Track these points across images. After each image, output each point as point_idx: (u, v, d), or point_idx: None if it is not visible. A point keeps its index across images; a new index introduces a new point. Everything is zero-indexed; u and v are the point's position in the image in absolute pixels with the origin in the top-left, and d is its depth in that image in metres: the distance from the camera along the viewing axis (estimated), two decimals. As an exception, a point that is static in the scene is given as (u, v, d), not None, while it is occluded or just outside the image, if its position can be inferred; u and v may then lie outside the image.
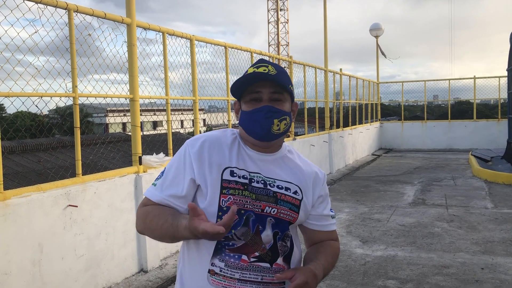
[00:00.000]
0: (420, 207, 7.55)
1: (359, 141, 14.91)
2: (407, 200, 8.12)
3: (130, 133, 5.00)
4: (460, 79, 18.63)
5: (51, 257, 3.78)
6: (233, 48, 6.94)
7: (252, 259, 1.50)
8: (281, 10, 50.66)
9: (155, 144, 7.62)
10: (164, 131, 5.78)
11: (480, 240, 5.65)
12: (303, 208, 1.60)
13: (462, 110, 24.99)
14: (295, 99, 1.66)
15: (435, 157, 15.09)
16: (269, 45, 50.31)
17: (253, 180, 1.54)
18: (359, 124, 15.45)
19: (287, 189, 1.57)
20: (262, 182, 1.55)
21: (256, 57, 7.69)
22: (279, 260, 1.53)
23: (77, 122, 4.16)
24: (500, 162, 11.58)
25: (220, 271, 1.49)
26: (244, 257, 1.50)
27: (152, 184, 1.61)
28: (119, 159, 8.99)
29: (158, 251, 5.00)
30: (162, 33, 5.36)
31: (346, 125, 13.86)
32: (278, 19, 50.44)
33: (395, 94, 19.95)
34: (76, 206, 3.99)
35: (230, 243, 1.50)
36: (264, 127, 1.52)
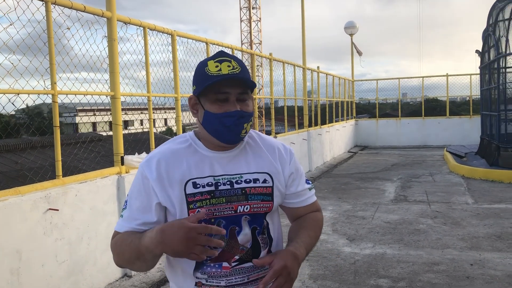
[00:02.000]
0: (403, 204, 7.56)
1: (336, 139, 14.95)
2: (388, 197, 8.12)
3: (101, 133, 4.79)
4: (432, 76, 18.99)
5: (30, 264, 3.55)
6: (214, 44, 6.77)
7: (233, 264, 1.46)
8: (253, 8, 50.57)
9: (131, 143, 7.38)
10: (134, 131, 5.57)
11: (466, 236, 5.67)
12: (277, 194, 1.54)
13: (431, 107, 25.46)
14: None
15: (410, 154, 15.27)
16: (241, 43, 50.14)
17: (219, 184, 1.47)
18: (335, 121, 15.49)
19: (255, 180, 1.51)
20: (229, 182, 1.48)
21: (238, 54, 7.54)
22: (262, 254, 1.50)
23: (57, 121, 3.94)
24: (475, 157, 11.78)
25: (206, 281, 1.47)
26: (225, 264, 1.46)
27: (120, 216, 1.51)
28: (92, 160, 8.69)
29: (142, 255, 4.80)
30: (143, 28, 5.16)
31: (323, 123, 13.86)
32: (250, 17, 50.34)
33: (365, 92, 20.18)
34: (57, 210, 3.77)
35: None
36: (234, 133, 1.45)
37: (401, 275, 4.50)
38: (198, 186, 1.45)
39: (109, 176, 4.51)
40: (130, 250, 1.41)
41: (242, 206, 1.47)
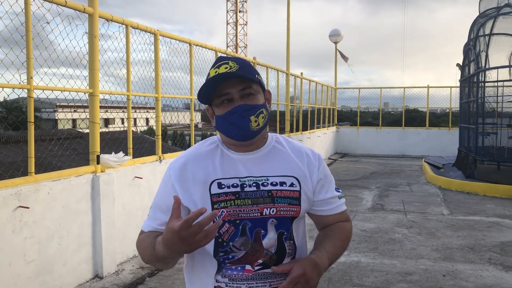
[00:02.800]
0: (380, 213, 7.61)
1: (317, 145, 15.00)
2: (366, 205, 8.17)
3: (80, 130, 4.70)
4: (414, 87, 19.19)
5: (-3, 263, 3.45)
6: (197, 45, 6.73)
7: (256, 267, 1.44)
8: (240, 12, 50.64)
9: (108, 142, 7.27)
10: (117, 129, 5.49)
11: (440, 246, 5.72)
12: (304, 199, 1.52)
13: (411, 117, 25.78)
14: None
15: (389, 163, 15.42)
16: (227, 46, 50.13)
17: (245, 185, 1.46)
18: (316, 128, 15.56)
19: (282, 183, 1.49)
20: (254, 184, 1.47)
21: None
22: (286, 261, 1.47)
23: (31, 117, 3.84)
24: (452, 169, 11.95)
25: (226, 286, 1.44)
26: (248, 267, 1.43)
27: (147, 215, 1.55)
28: (68, 157, 8.54)
29: (114, 256, 4.72)
30: (125, 26, 5.09)
31: (305, 129, 13.90)
32: (237, 20, 50.39)
33: (348, 100, 20.32)
34: (28, 208, 3.67)
35: (230, 256, 1.44)
36: (242, 128, 1.44)
37: (374, 284, 4.51)
38: (223, 186, 1.45)
39: (84, 174, 4.43)
40: (149, 253, 1.43)
41: (268, 209, 1.45)
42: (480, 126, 10.86)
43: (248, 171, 1.49)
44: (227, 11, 50.77)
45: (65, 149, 8.53)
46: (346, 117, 31.24)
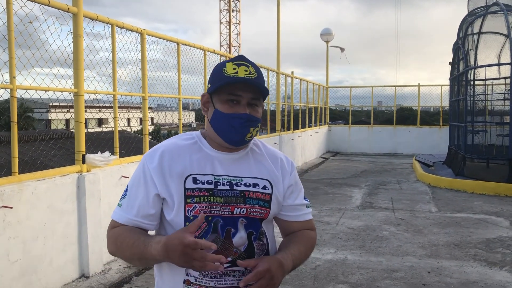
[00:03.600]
0: (368, 211, 7.65)
1: (308, 144, 15.05)
2: (355, 203, 8.21)
3: (73, 130, 4.70)
4: (405, 86, 19.35)
5: (-20, 263, 3.45)
6: (185, 45, 6.73)
7: (226, 265, 1.45)
8: (233, 11, 50.60)
9: (100, 142, 7.27)
10: (111, 129, 5.49)
11: (426, 243, 5.77)
12: (274, 202, 1.55)
13: (404, 116, 25.90)
14: None
15: (380, 161, 15.49)
16: (220, 46, 50.09)
17: (219, 183, 1.49)
18: (308, 127, 15.60)
19: (255, 185, 1.52)
20: (228, 183, 1.50)
21: (210, 55, 7.51)
22: None
23: (14, 116, 3.83)
24: (442, 167, 12.02)
25: (195, 280, 1.46)
26: (217, 263, 1.42)
27: (118, 204, 1.54)
28: (61, 157, 8.51)
29: (101, 256, 4.72)
30: (111, 25, 5.09)
31: (296, 127, 13.94)
32: (230, 20, 50.35)
33: (341, 99, 20.41)
34: (11, 208, 3.67)
35: None
36: (239, 134, 1.48)
37: (359, 281, 4.54)
38: (198, 182, 1.47)
39: (69, 174, 4.42)
40: (132, 252, 1.43)
41: (239, 209, 1.48)
42: (469, 124, 10.94)
43: (224, 169, 1.51)
44: (220, 10, 50.74)
45: (58, 149, 8.51)
46: (340, 116, 31.31)
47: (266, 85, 1.55)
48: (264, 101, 1.58)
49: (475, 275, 4.67)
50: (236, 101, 1.47)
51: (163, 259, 1.37)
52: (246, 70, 1.45)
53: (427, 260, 5.13)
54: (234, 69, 1.45)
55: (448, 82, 14.01)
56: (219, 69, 1.49)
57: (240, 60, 1.49)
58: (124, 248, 1.46)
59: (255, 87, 1.46)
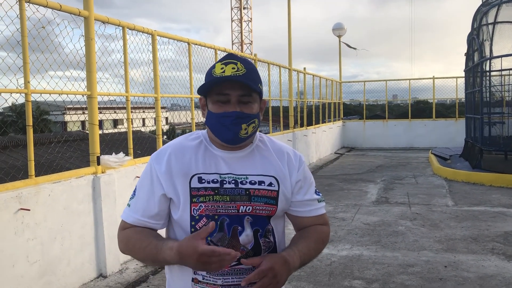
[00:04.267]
0: (384, 206, 7.61)
1: (323, 140, 14.99)
2: (370, 199, 8.17)
3: (88, 132, 4.76)
4: (419, 79, 19.07)
5: (0, 264, 3.52)
6: (196, 44, 6.77)
7: (232, 263, 1.45)
8: (244, 8, 50.58)
9: (115, 143, 7.35)
10: (125, 130, 5.55)
11: (443, 238, 5.72)
12: (282, 199, 1.54)
13: (420, 109, 25.63)
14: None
15: (396, 156, 15.36)
16: (232, 44, 50.14)
17: (224, 182, 1.50)
18: (322, 123, 15.54)
19: (260, 183, 1.52)
20: (233, 181, 1.50)
21: (221, 55, 7.54)
22: None
23: (29, 120, 3.90)
24: (459, 160, 11.88)
25: (203, 278, 1.48)
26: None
27: (127, 204, 1.57)
28: (76, 158, 8.62)
29: (118, 255, 4.78)
30: (122, 28, 5.14)
31: (309, 124, 13.90)
32: (241, 17, 50.35)
33: (356, 94, 20.24)
34: (29, 210, 3.74)
35: None
36: (231, 132, 1.47)
37: (375, 276, 4.53)
38: (204, 181, 1.48)
39: (85, 176, 4.49)
40: (145, 254, 1.47)
41: (245, 207, 1.48)
42: (486, 116, 10.78)
43: (229, 168, 1.52)
44: (232, 8, 50.75)
45: (74, 150, 8.63)
46: (355, 111, 31.09)
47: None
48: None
49: (493, 269, 4.62)
50: (226, 100, 1.46)
51: (176, 263, 1.41)
52: (233, 68, 1.44)
53: (443, 255, 5.09)
54: (222, 68, 1.45)
55: (463, 74, 13.82)
56: (209, 71, 1.50)
57: (228, 58, 1.49)
58: (136, 251, 1.50)
59: (243, 84, 1.44)
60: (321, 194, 1.69)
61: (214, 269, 1.35)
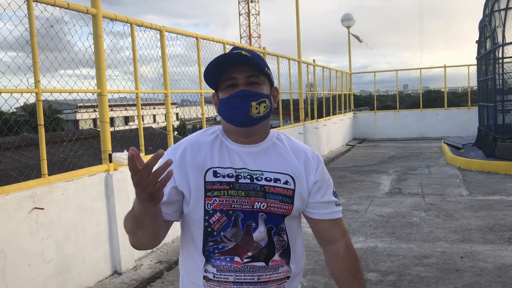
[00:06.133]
0: (397, 197, 7.54)
1: (334, 132, 14.92)
2: (383, 190, 8.11)
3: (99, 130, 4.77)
4: (430, 68, 18.86)
5: (16, 263, 3.55)
6: (204, 39, 6.74)
7: (245, 260, 1.45)
8: (252, 1, 50.39)
9: (126, 140, 7.36)
10: (136, 126, 5.55)
11: (458, 228, 5.65)
12: (298, 198, 1.51)
13: (431, 98, 25.36)
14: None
15: (408, 146, 15.23)
16: (240, 37, 50.02)
17: (240, 177, 1.47)
18: (333, 115, 15.45)
19: (276, 180, 1.49)
20: (249, 177, 1.47)
21: (229, 49, 7.49)
22: (276, 256, 1.48)
23: (41, 119, 3.91)
24: (472, 149, 11.74)
25: (214, 276, 1.46)
26: (237, 258, 1.44)
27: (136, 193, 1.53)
28: (89, 156, 8.68)
29: (132, 252, 4.80)
30: (130, 24, 5.13)
31: (320, 116, 13.82)
32: (249, 11, 50.18)
33: (367, 85, 20.12)
34: (43, 209, 3.76)
35: (220, 246, 1.46)
36: (242, 112, 1.44)
37: (390, 268, 4.49)
38: (219, 175, 1.46)
39: (97, 173, 4.50)
40: (130, 221, 1.43)
41: (259, 203, 1.46)
42: (499, 104, 10.62)
43: (244, 163, 1.49)
44: (239, 2, 50.58)
45: (86, 148, 8.69)
46: (366, 102, 30.88)
47: (276, 71, 1.51)
48: (279, 87, 1.54)
49: (511, 259, 4.55)
50: (234, 84, 1.46)
51: (141, 207, 1.33)
52: (238, 53, 1.44)
53: (459, 245, 5.03)
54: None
55: (475, 62, 13.63)
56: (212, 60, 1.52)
57: (234, 50, 1.48)
58: (127, 223, 1.47)
59: (248, 65, 1.44)
60: (338, 198, 1.63)
61: (152, 181, 1.24)
